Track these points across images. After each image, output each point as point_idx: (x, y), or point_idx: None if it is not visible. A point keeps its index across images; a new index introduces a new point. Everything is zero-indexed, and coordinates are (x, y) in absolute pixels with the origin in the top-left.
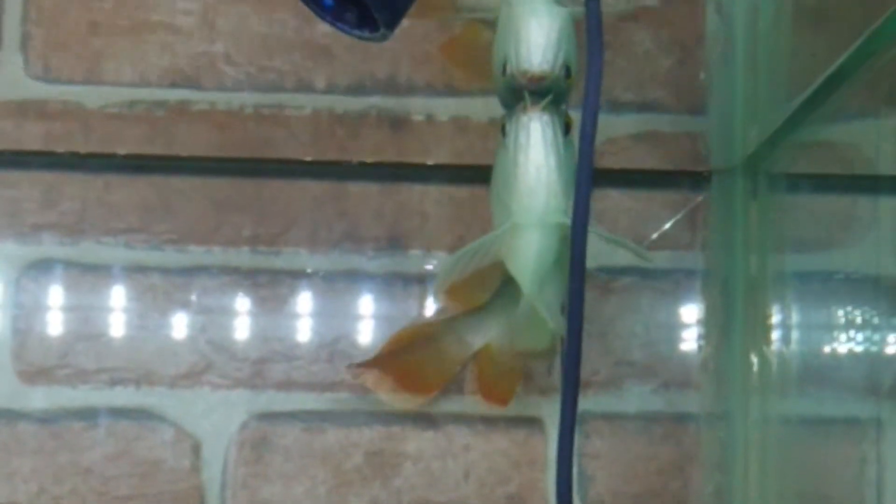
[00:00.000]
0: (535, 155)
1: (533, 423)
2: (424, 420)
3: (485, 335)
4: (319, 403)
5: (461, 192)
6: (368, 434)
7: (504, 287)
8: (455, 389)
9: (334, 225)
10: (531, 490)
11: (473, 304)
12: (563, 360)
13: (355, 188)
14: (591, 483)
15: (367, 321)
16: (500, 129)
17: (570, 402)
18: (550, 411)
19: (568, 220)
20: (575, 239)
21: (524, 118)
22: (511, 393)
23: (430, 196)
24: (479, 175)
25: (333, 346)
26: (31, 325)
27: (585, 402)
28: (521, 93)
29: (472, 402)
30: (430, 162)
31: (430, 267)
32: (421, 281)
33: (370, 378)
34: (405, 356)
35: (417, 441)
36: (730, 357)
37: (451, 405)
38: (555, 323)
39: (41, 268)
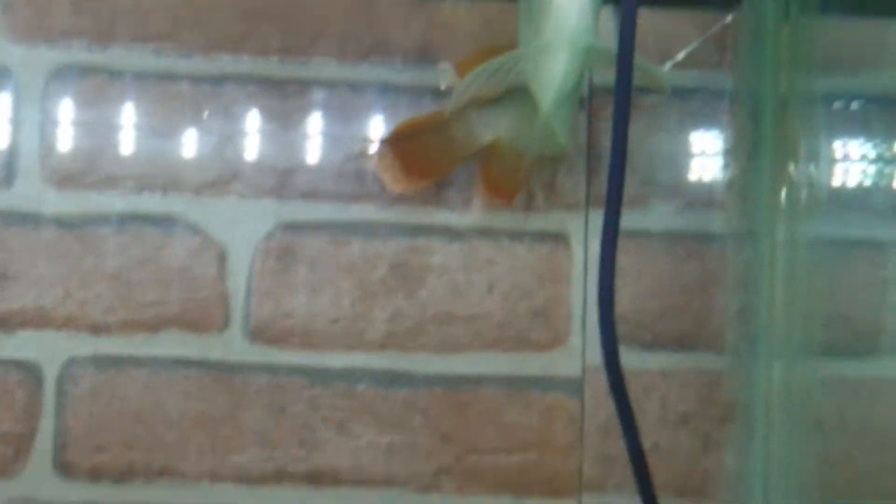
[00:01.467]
0: None
1: (558, 238)
2: (449, 233)
3: (494, 129)
4: (345, 214)
5: (490, 6)
6: (393, 246)
7: (518, 86)
8: (479, 204)
9: (363, 36)
10: (556, 305)
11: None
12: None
13: (384, 0)
14: (616, 298)
15: None
16: None
17: (613, 211)
18: (576, 226)
19: (596, 42)
20: (622, 57)
21: None
22: (516, 189)
23: (459, 9)
24: None
25: (360, 158)
26: (58, 132)
27: None
28: None
29: (496, 216)
30: None
31: (443, 69)
32: (450, 94)
33: (377, 157)
34: (414, 139)
35: (442, 254)
36: (757, 178)
37: (476, 218)
38: (566, 142)
39: (69, 74)
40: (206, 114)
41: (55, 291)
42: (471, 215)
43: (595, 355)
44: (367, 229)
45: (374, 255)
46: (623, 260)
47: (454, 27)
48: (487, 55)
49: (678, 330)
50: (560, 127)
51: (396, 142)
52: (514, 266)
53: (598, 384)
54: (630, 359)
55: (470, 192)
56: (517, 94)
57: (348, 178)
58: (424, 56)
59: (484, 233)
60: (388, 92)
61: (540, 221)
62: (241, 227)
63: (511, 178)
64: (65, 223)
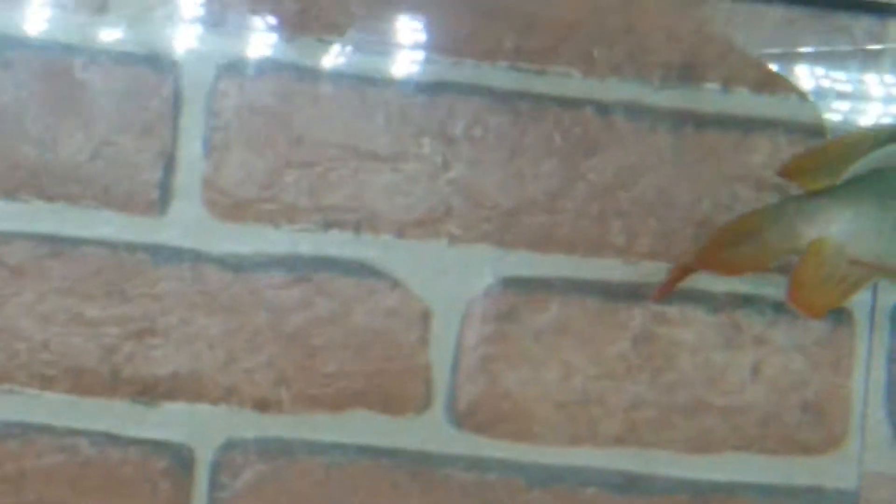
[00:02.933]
0: None
1: (840, 315)
2: (707, 300)
3: (821, 227)
4: (581, 270)
5: (777, 10)
6: (638, 314)
7: (862, 172)
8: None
9: (615, 44)
10: (833, 398)
11: (814, 185)
12: None
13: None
14: None
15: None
16: None
17: None
18: (862, 303)
19: None
20: None
21: None
22: (829, 305)
23: (737, 16)
24: None
25: (604, 197)
26: (229, 143)
27: None
28: None
29: (764, 282)
30: None
31: None
32: (720, 123)
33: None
34: (719, 254)
35: (697, 326)
36: None
37: (739, 283)
38: None
39: (245, 68)
40: (425, 141)
41: (215, 354)
42: (733, 279)
43: (876, 462)
44: (606, 290)
45: (614, 323)
46: None
47: (726, 41)
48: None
49: None
50: None
51: (698, 262)
52: (785, 346)
53: (878, 498)
54: None
55: None
56: (858, 185)
57: (587, 222)
58: (687, 74)
59: (749, 302)
60: (639, 114)
61: None
62: (451, 281)
63: (828, 290)
64: (230, 265)
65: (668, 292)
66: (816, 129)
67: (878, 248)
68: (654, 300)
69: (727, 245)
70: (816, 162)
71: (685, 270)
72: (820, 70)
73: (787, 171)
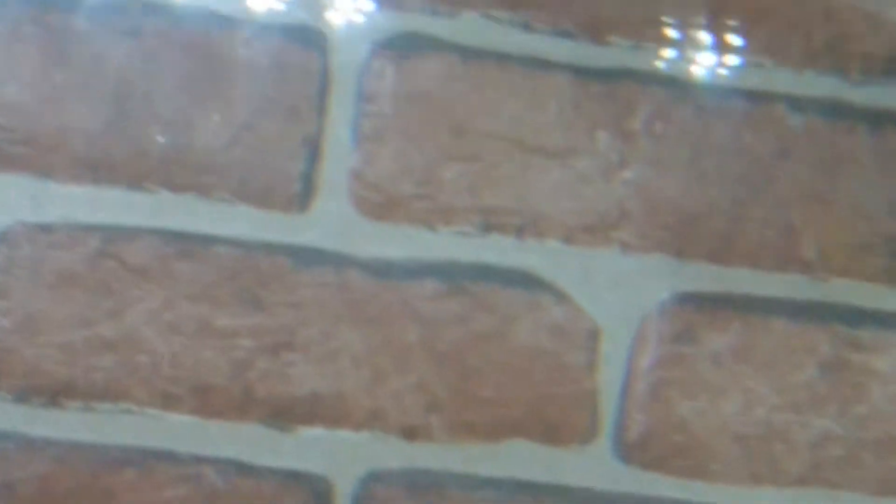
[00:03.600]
0: None
1: None
2: None
3: None
4: (765, 286)
5: None
6: (827, 337)
7: None
8: None
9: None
10: None
11: None
12: None
13: None
14: None
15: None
16: None
17: None
18: None
19: None
20: None
21: None
22: None
23: None
24: None
25: (795, 205)
26: (382, 131)
27: None
28: None
29: None
30: None
31: None
32: None
33: None
34: None
35: (893, 353)
36: None
37: None
38: None
39: (401, 46)
40: (600, 135)
41: (359, 374)
42: None
43: None
44: (792, 310)
45: (802, 347)
46: None
47: None
48: None
49: None
50: None
51: None
52: None
53: None
54: None
55: None
56: None
57: (774, 233)
58: (891, 67)
59: None
60: (836, 112)
61: None
62: (624, 295)
63: None
64: (378, 271)
65: None
66: None
67: None
68: None
69: None
70: None
71: None
72: None
73: None
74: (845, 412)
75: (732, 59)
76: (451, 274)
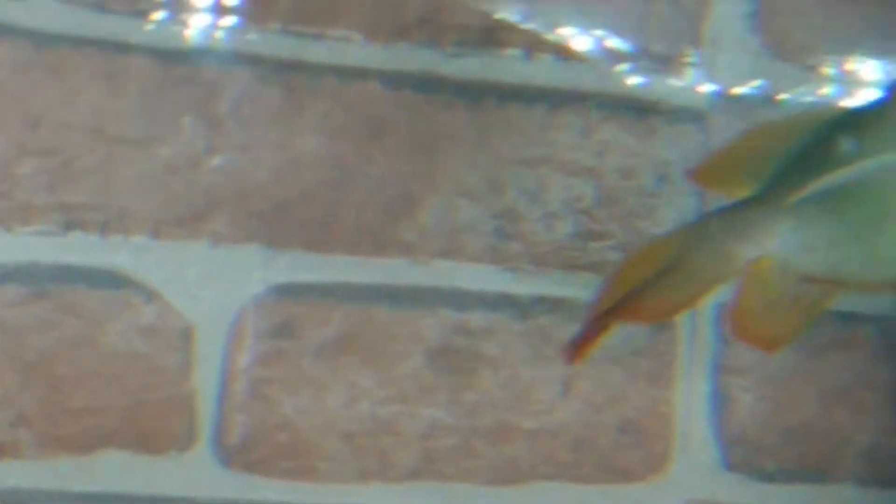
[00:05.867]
0: None
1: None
2: (510, 304)
3: (758, 244)
4: (367, 274)
5: None
6: (433, 323)
7: (794, 174)
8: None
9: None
10: (654, 415)
11: (737, 191)
12: None
13: None
14: (730, 410)
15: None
16: None
17: None
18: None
19: None
20: None
21: None
22: (785, 335)
23: None
24: None
25: (393, 186)
26: None
27: None
28: None
29: (571, 279)
30: None
31: None
32: (523, 96)
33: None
34: (645, 294)
35: (501, 337)
36: None
37: (548, 283)
38: None
39: None
40: (185, 121)
41: None
42: (542, 277)
43: (701, 489)
44: (397, 296)
45: (407, 334)
46: (745, 352)
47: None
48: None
49: (813, 454)
50: None
51: (617, 315)
52: (599, 357)
53: None
54: (747, 495)
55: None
56: (790, 186)
57: (373, 216)
58: (487, 39)
59: (559, 306)
60: (432, 87)
61: None
62: (217, 290)
63: (783, 317)
64: None
65: (586, 352)
66: (634, 104)
67: (832, 259)
68: (570, 361)
69: (646, 285)
70: (733, 163)
71: (604, 321)
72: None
73: (700, 177)
74: (455, 400)
75: (321, 35)
76: (33, 277)
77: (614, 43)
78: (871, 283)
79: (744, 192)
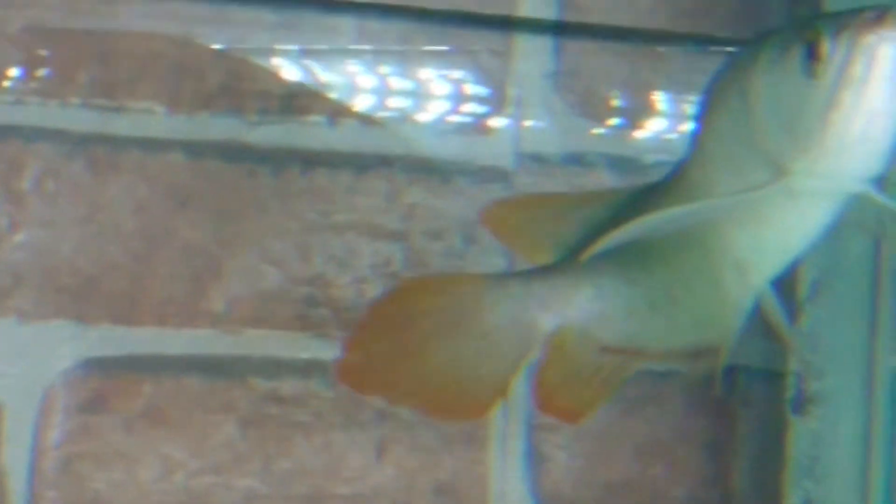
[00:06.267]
0: (874, 97)
1: None
2: (323, 370)
3: (559, 313)
4: (177, 345)
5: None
6: (245, 394)
7: (598, 236)
8: None
9: None
10: (470, 476)
11: (538, 257)
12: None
13: None
14: (544, 465)
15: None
16: (803, 45)
17: None
18: None
19: (870, 189)
20: None
21: (869, 38)
22: (587, 406)
23: None
24: None
25: (200, 256)
26: None
27: None
28: None
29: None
30: None
31: None
32: (329, 162)
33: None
34: (413, 345)
35: (315, 403)
36: None
37: None
38: (788, 334)
39: None
40: None
41: None
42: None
43: None
44: (205, 367)
45: (218, 405)
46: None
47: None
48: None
49: None
50: (778, 314)
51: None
52: (411, 420)
53: None
54: None
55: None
56: (604, 255)
57: (180, 287)
58: (290, 105)
59: None
60: (236, 155)
61: None
62: (26, 367)
63: (584, 389)
64: None
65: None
66: (440, 166)
67: (630, 330)
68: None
69: (414, 344)
70: (519, 213)
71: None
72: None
73: (487, 218)
74: (269, 469)
75: (122, 108)
76: None
77: (419, 105)
78: (669, 353)
79: (535, 252)
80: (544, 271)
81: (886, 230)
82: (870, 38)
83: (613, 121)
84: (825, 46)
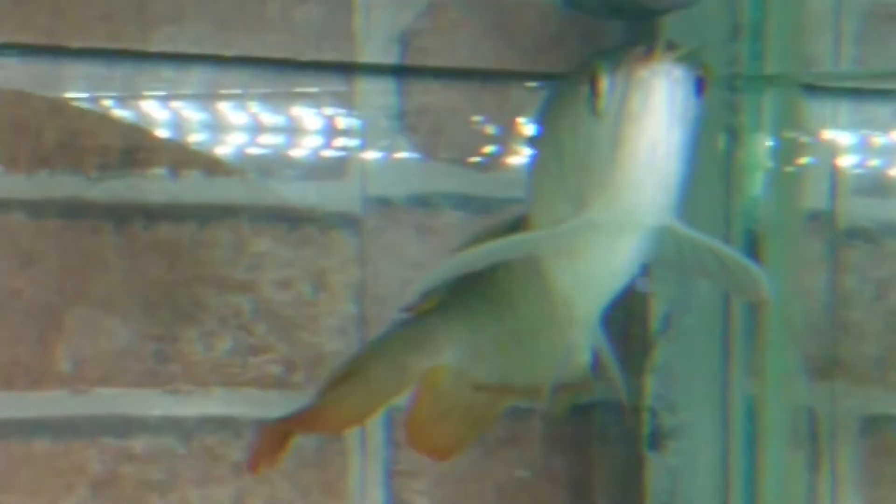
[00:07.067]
0: (653, 130)
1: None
2: (174, 426)
3: (433, 354)
4: (23, 408)
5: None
6: (96, 454)
7: (472, 282)
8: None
9: None
10: None
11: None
12: None
13: None
14: None
15: None
16: (587, 83)
17: None
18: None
19: (675, 222)
20: None
21: (642, 73)
22: (458, 443)
23: None
24: None
25: (44, 316)
26: None
27: None
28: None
29: (239, 397)
30: None
31: None
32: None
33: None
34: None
35: (168, 460)
36: None
37: (215, 403)
38: (614, 371)
39: None
40: None
41: None
42: (204, 397)
43: None
44: (57, 428)
45: (70, 467)
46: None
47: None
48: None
49: None
50: (606, 350)
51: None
52: (267, 474)
53: None
54: None
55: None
56: (467, 296)
57: (25, 348)
58: (130, 160)
59: (224, 425)
60: (77, 213)
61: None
62: None
63: (455, 426)
64: None
65: (264, 462)
66: (287, 214)
67: (499, 366)
68: (252, 470)
69: (323, 396)
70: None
71: (279, 433)
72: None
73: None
74: None
75: None
76: None
77: (262, 153)
78: (537, 388)
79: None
80: (423, 317)
81: (694, 263)
82: (643, 73)
83: (460, 159)
84: (604, 83)
